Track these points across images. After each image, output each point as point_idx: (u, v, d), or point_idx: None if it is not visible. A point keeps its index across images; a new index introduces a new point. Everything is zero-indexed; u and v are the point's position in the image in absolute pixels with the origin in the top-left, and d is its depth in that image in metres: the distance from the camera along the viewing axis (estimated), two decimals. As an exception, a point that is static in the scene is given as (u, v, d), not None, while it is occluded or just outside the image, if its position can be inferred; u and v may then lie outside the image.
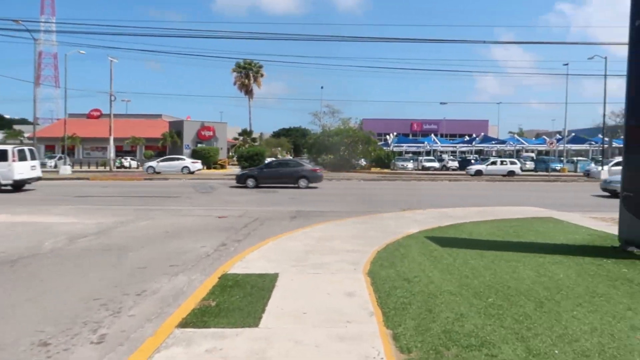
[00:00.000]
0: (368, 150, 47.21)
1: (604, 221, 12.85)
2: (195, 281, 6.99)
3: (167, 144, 51.11)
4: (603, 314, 5.02)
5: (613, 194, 20.32)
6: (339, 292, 5.88)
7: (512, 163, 42.91)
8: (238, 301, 5.53)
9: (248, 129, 59.15)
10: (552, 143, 38.19)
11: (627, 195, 8.50)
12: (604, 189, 21.78)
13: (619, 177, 20.95)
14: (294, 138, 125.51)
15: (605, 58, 36.58)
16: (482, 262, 7.41)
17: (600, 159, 51.15)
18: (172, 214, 14.96)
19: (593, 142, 60.20)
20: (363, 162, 50.55)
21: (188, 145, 50.00)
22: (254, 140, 59.44)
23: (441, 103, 66.71)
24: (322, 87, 64.16)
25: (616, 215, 14.35)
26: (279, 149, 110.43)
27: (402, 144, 63.79)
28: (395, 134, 61.24)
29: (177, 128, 51.63)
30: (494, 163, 42.60)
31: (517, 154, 62.26)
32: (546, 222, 12.35)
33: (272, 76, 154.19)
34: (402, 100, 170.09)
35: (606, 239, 9.80)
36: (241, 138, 58.53)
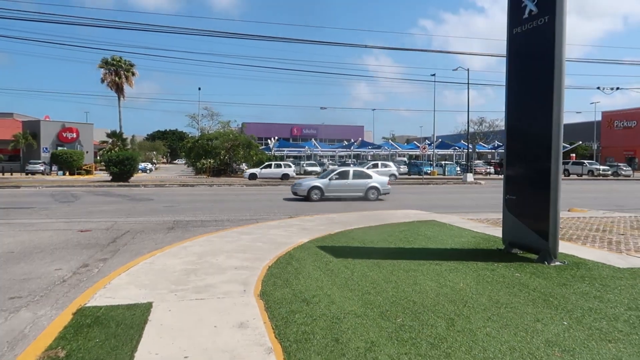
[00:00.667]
0: (250, 155, 46.11)
1: (480, 222, 13.42)
2: (43, 318, 5.55)
3: (21, 147, 45.13)
4: (515, 328, 4.73)
5: (302, 197, 21.80)
6: (228, 323, 4.93)
7: (287, 166, 41.29)
8: (97, 347, 4.31)
9: (118, 131, 54.60)
10: (424, 148, 40.65)
11: (510, 199, 8.70)
12: (293, 192, 22.64)
13: (303, 181, 22.35)
14: (170, 141, 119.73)
15: (468, 70, 39.86)
16: (381, 273, 6.95)
17: (464, 162, 55.77)
18: (21, 228, 12.63)
19: (457, 147, 65.68)
20: (245, 166, 49.36)
21: (46, 149, 44.69)
22: (125, 143, 55.02)
23: (321, 108, 68.25)
24: (199, 89, 61.84)
25: (490, 216, 15.29)
26: (154, 152, 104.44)
27: (283, 148, 63.72)
28: (276, 138, 60.88)
29: (32, 129, 45.86)
30: (268, 166, 40.27)
31: (390, 158, 65.79)
32: (431, 225, 12.51)
33: (145, 75, 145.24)
34: (283, 104, 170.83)
35: (489, 241, 10.04)
36: (110, 141, 53.82)
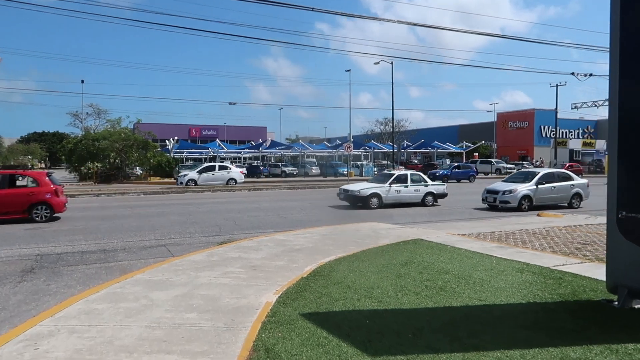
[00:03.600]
0: (146, 157, 39.70)
1: (481, 240, 10.05)
2: None
3: None
4: None
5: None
6: None
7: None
8: None
9: (-22, 131, 44.83)
10: (349, 147, 37.44)
11: (632, 219, 5.16)
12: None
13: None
14: (50, 144, 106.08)
15: (392, 63, 37.27)
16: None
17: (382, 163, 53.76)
18: None
19: (367, 148, 63.90)
20: (139, 170, 42.71)
21: None
22: (-13, 145, 45.36)
23: (230, 103, 62.94)
24: (82, 81, 51.78)
25: (474, 228, 12.00)
26: (29, 157, 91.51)
27: (184, 150, 57.40)
28: (175, 138, 54.31)
29: None
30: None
31: (302, 158, 62.30)
32: (430, 249, 8.81)
33: (16, 70, 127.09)
34: (182, 97, 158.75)
35: (556, 280, 6.49)
36: (-34, 143, 43.99)
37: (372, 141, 67.53)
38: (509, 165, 55.13)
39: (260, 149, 58.79)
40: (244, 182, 32.81)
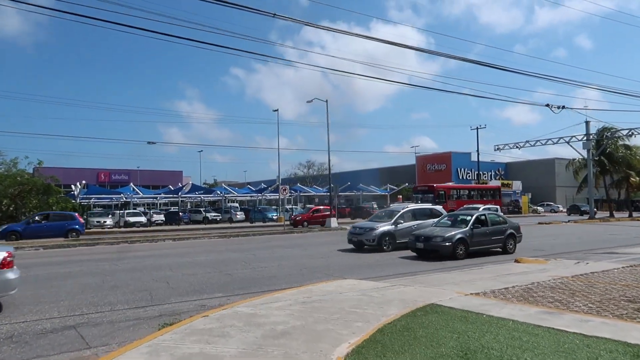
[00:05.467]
0: (48, 204, 34.41)
1: (506, 301, 7.87)
2: None
3: None
4: None
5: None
6: None
7: None
8: None
9: None
10: (285, 189, 34.77)
11: None
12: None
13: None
14: None
15: (326, 101, 35.53)
16: None
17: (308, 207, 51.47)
18: None
19: (293, 191, 61.70)
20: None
21: None
22: None
23: (148, 142, 57.99)
24: None
25: (477, 282, 9.78)
26: None
27: (92, 195, 51.59)
28: (83, 183, 48.59)
29: None
30: None
31: (224, 203, 58.59)
32: (470, 324, 6.44)
33: None
34: (90, 136, 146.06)
35: None
36: None
37: (298, 184, 65.55)
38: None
39: (180, 193, 54.33)
40: (168, 231, 28.88)
